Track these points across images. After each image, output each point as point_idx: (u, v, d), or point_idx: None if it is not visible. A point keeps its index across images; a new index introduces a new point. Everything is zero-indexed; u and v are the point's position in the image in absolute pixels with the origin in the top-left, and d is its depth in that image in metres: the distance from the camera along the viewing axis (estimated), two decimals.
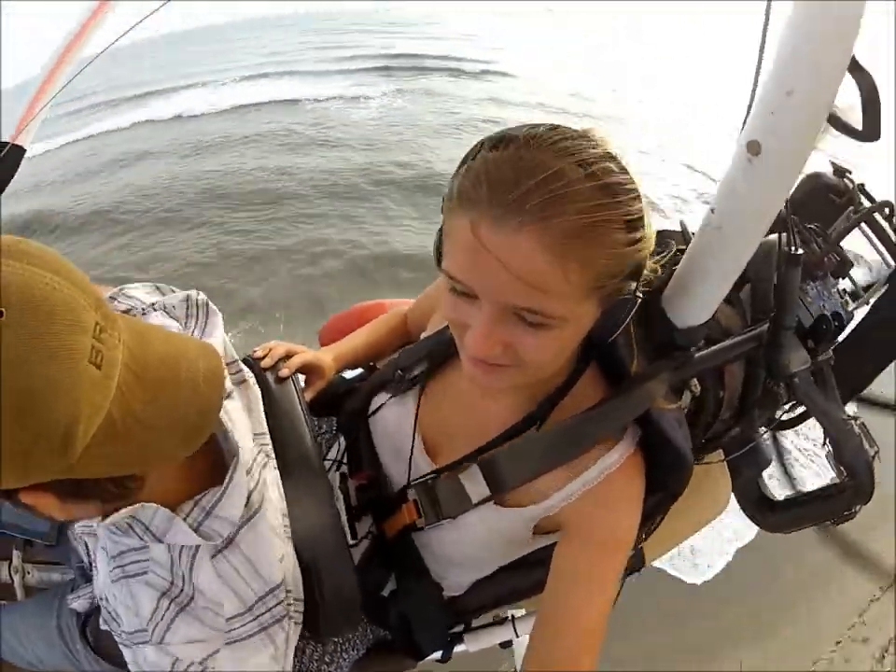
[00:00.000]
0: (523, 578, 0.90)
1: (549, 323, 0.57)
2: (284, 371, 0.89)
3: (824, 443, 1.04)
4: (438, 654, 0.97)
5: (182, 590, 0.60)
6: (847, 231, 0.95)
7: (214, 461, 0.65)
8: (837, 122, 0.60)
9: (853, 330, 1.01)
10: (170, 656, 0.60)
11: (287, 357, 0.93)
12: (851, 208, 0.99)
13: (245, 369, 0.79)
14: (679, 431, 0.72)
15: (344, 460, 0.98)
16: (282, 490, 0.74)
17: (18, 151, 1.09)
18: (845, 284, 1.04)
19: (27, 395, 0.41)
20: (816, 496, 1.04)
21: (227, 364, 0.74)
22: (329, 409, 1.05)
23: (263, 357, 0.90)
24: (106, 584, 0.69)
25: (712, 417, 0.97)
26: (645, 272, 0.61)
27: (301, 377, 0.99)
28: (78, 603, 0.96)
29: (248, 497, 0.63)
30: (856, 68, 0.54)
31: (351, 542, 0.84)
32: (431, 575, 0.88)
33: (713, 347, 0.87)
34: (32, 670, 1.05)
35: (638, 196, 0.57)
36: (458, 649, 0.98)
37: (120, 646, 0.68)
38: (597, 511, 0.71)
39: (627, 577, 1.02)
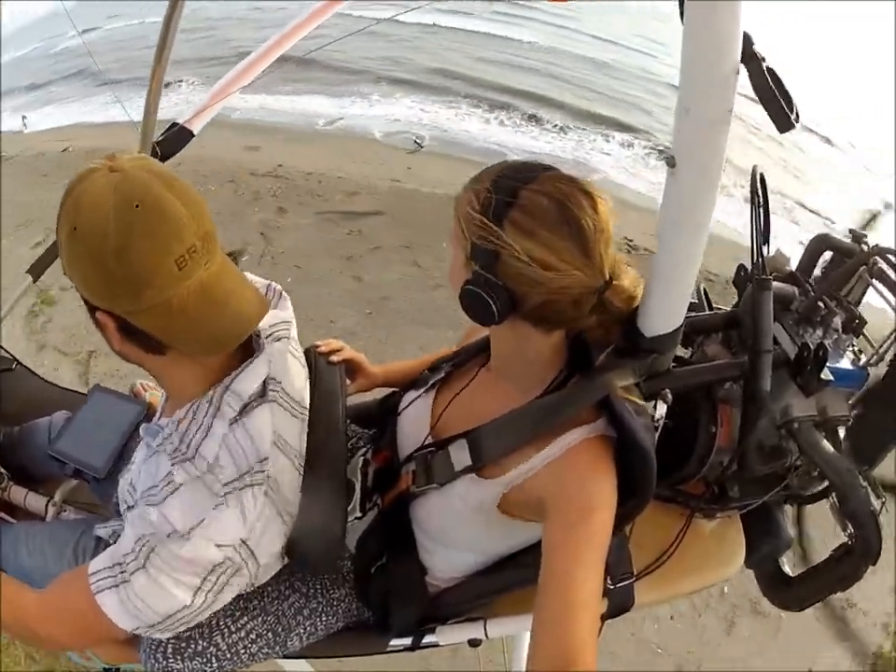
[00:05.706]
0: (496, 579, 0.96)
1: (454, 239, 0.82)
2: (333, 358, 1.07)
3: (829, 496, 0.99)
4: (407, 641, 1.02)
5: (186, 453, 0.77)
6: (844, 276, 0.96)
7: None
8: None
9: (868, 388, 0.98)
10: (164, 519, 0.74)
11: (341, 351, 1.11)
12: (864, 267, 1.00)
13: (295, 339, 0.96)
14: (638, 420, 0.77)
15: (370, 447, 1.12)
16: (304, 438, 0.90)
17: (187, 134, 1.33)
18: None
19: (129, 246, 0.66)
20: (827, 562, 0.98)
21: (285, 324, 0.92)
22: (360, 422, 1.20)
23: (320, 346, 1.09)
24: (139, 465, 0.88)
25: (705, 450, 0.98)
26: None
27: None
28: (104, 531, 1.08)
29: (266, 387, 0.82)
30: (751, 58, 0.60)
31: (358, 515, 0.96)
32: (417, 554, 0.97)
33: (690, 367, 0.92)
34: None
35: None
36: (428, 639, 1.01)
37: (126, 515, 0.84)
38: (565, 478, 0.77)
39: (614, 616, 1.01)
